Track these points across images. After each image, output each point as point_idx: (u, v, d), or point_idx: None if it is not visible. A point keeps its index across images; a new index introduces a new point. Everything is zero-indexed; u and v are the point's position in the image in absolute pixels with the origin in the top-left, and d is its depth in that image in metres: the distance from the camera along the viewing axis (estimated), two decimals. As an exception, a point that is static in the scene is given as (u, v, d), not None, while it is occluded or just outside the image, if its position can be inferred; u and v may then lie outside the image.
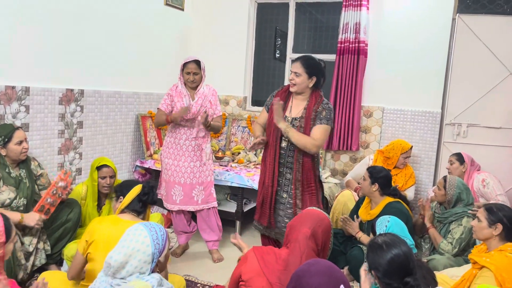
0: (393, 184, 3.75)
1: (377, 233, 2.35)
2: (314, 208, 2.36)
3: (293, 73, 2.74)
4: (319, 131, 2.68)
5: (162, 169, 3.35)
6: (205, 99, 3.24)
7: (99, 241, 2.07)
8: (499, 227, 2.17)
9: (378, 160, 3.98)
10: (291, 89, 2.77)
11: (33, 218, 2.58)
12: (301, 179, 2.75)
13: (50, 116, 3.30)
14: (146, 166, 4.12)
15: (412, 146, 3.97)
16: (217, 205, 3.38)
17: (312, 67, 2.72)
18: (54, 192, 2.67)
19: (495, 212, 2.21)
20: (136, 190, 2.26)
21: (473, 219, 2.47)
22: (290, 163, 2.76)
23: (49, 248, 2.77)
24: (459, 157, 3.68)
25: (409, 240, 2.29)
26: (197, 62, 3.17)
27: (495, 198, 3.40)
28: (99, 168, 2.98)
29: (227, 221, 3.92)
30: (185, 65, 3.17)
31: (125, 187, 2.31)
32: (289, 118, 2.77)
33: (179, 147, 3.24)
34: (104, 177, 2.98)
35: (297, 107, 2.80)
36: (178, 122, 3.15)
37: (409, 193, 3.89)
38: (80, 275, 2.20)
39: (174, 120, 3.10)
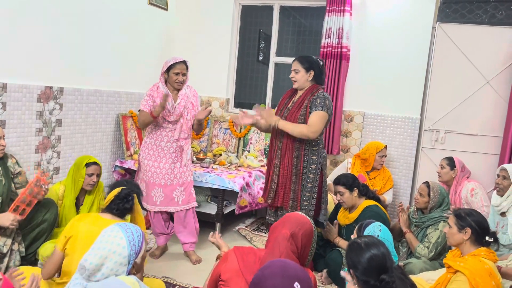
0: (371, 187, 3.81)
1: None
2: (298, 212, 2.38)
3: (292, 71, 3.00)
4: (314, 117, 2.86)
5: (141, 170, 3.31)
6: (187, 100, 3.23)
7: (77, 237, 2.07)
8: (468, 231, 2.22)
9: (356, 163, 4.02)
10: (294, 86, 3.03)
11: (7, 218, 2.50)
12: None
13: (28, 114, 3.23)
14: (126, 166, 4.06)
15: (386, 146, 4.04)
16: (196, 205, 3.38)
17: (308, 62, 2.97)
18: (30, 191, 2.59)
19: (463, 217, 2.26)
20: (113, 193, 2.26)
21: (448, 224, 2.51)
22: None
23: (23, 250, 2.70)
24: (450, 162, 3.65)
25: (394, 256, 2.27)
26: (185, 63, 3.20)
27: (481, 208, 3.37)
28: (88, 165, 2.96)
29: (207, 223, 3.90)
30: (173, 65, 3.16)
31: (113, 186, 2.35)
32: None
33: (160, 149, 3.21)
34: (91, 174, 2.97)
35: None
36: (159, 114, 3.09)
37: (388, 197, 3.93)
38: (56, 272, 2.17)
39: (158, 111, 3.05)
